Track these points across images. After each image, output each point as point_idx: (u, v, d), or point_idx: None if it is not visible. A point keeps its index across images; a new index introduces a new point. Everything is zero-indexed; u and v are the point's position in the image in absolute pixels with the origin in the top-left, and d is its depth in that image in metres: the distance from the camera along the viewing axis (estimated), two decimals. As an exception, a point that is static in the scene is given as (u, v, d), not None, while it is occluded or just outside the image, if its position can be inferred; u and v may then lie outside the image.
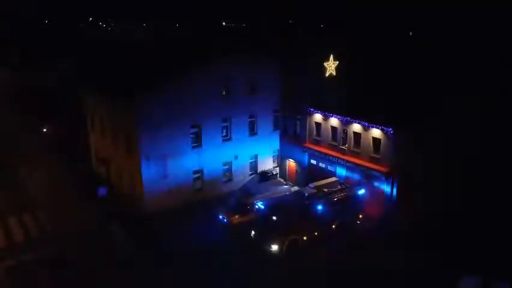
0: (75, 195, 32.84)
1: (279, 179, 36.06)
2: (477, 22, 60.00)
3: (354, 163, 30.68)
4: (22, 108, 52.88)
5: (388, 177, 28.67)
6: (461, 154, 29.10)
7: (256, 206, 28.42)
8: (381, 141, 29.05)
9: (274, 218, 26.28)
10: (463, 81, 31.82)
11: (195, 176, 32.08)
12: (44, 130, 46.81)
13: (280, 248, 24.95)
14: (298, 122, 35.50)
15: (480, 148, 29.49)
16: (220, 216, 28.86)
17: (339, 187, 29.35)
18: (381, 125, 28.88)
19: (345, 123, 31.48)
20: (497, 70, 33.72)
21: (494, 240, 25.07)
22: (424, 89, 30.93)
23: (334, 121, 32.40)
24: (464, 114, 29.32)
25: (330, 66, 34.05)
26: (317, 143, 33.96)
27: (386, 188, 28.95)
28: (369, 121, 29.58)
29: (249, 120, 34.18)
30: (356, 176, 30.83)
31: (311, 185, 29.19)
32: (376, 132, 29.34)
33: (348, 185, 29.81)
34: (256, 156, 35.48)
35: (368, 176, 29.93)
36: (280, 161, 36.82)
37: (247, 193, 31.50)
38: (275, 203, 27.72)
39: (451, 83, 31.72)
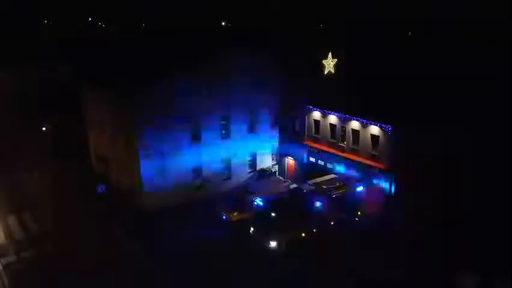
0: (75, 194, 32.91)
1: (278, 176, 36.17)
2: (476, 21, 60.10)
3: (353, 160, 30.78)
4: (22, 108, 52.90)
5: (386, 174, 28.77)
6: (460, 152, 29.16)
7: (255, 203, 28.50)
8: (380, 138, 29.14)
9: (273, 214, 26.38)
10: (461, 80, 31.94)
11: (194, 173, 32.12)
12: (44, 129, 46.84)
13: (279, 245, 25.01)
14: (297, 120, 35.61)
15: (479, 146, 29.55)
16: (220, 213, 28.89)
17: (338, 184, 29.44)
18: (380, 122, 28.97)
19: (344, 121, 31.57)
20: (497, 70, 33.85)
21: (493, 238, 25.12)
22: (424, 86, 31.07)
23: (333, 118, 32.50)
24: (463, 113, 29.40)
25: (329, 64, 34.17)
26: (316, 140, 34.06)
27: (385, 185, 29.04)
28: (368, 118, 29.67)
29: (248, 118, 34.20)
30: (354, 173, 30.91)
31: (310, 182, 29.28)
32: (374, 130, 29.43)
33: (347, 182, 29.89)
34: (255, 154, 35.50)
35: (367, 173, 30.01)
36: (279, 158, 36.86)
37: (246, 190, 31.58)
38: (274, 200, 27.81)
39: (450, 81, 31.84)
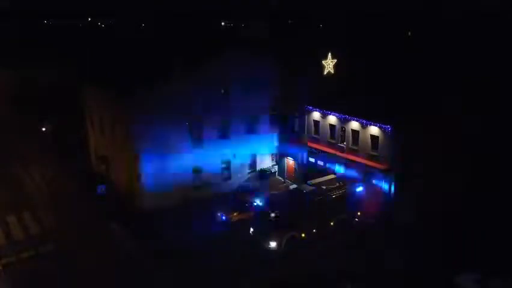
0: (75, 194, 32.96)
1: (277, 176, 36.21)
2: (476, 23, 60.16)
3: (353, 161, 30.82)
4: (22, 108, 53.00)
5: (386, 174, 28.80)
6: (460, 151, 29.22)
7: (255, 204, 28.53)
8: (379, 138, 29.18)
9: (272, 215, 26.40)
10: (461, 79, 31.98)
11: (194, 173, 32.18)
12: (44, 129, 46.90)
13: (279, 245, 25.05)
14: (296, 120, 35.67)
15: (479, 145, 29.61)
16: (219, 214, 28.95)
17: (338, 184, 29.44)
18: (379, 123, 29.01)
19: (344, 121, 31.61)
20: (496, 69, 33.89)
21: (493, 236, 25.17)
22: (423, 86, 31.10)
23: (332, 119, 32.55)
24: (463, 112, 29.44)
25: (328, 64, 34.22)
26: (316, 141, 34.10)
27: (384, 185, 29.09)
28: (368, 118, 29.72)
29: (248, 118, 34.22)
30: (354, 174, 30.95)
31: (309, 183, 29.29)
32: (374, 130, 29.47)
33: (347, 183, 29.91)
34: (254, 154, 35.54)
35: (366, 174, 30.06)
36: (279, 159, 36.91)
37: (246, 191, 31.63)
38: (274, 201, 27.84)
39: (449, 81, 31.88)
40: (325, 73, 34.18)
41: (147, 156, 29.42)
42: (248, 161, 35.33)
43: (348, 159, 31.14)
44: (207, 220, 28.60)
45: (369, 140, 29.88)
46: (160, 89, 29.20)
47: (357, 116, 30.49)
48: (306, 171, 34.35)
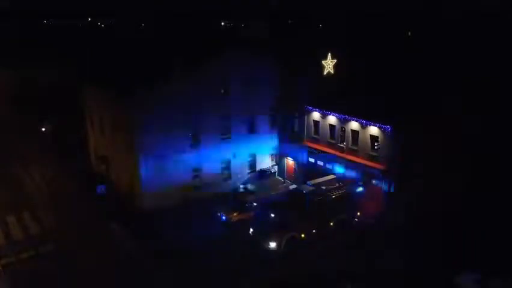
0: (75, 194, 32.96)
1: (277, 177, 36.22)
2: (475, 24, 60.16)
3: (353, 161, 30.84)
4: (22, 108, 53.01)
5: (386, 174, 28.82)
6: (460, 152, 29.23)
7: (255, 204, 28.53)
8: (379, 139, 29.21)
9: (272, 215, 26.43)
10: (461, 79, 32.00)
11: (194, 174, 32.18)
12: (44, 129, 46.91)
13: (279, 245, 25.06)
14: (296, 120, 35.69)
15: (479, 146, 29.62)
16: (219, 214, 28.96)
17: (337, 185, 29.47)
18: (379, 123, 29.03)
19: (343, 121, 31.63)
20: (496, 69, 33.90)
21: (493, 236, 25.17)
22: (423, 86, 31.11)
23: (332, 119, 32.57)
24: (463, 112, 29.45)
25: (328, 64, 34.24)
26: (315, 141, 34.12)
27: (384, 185, 29.10)
28: (368, 119, 29.74)
29: (248, 118, 34.24)
30: (354, 174, 30.98)
31: (309, 183, 29.31)
32: (374, 130, 29.50)
33: (347, 183, 29.94)
34: (254, 155, 35.56)
35: (366, 174, 30.08)
36: (279, 159, 36.92)
37: (246, 191, 31.62)
38: (273, 201, 27.87)
39: (449, 81, 31.89)
40: (325, 73, 34.21)
41: (147, 156, 29.42)
42: (248, 161, 35.35)
43: (348, 160, 31.14)
44: (207, 220, 28.62)
45: (369, 140, 29.91)
46: (160, 89, 29.20)
47: (357, 116, 30.52)
48: (306, 171, 34.37)
